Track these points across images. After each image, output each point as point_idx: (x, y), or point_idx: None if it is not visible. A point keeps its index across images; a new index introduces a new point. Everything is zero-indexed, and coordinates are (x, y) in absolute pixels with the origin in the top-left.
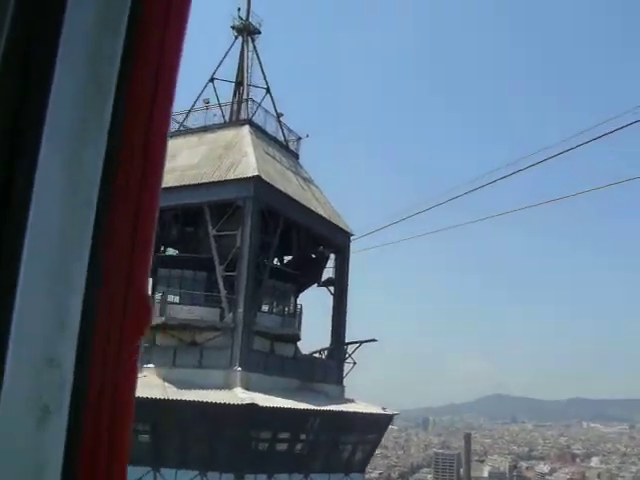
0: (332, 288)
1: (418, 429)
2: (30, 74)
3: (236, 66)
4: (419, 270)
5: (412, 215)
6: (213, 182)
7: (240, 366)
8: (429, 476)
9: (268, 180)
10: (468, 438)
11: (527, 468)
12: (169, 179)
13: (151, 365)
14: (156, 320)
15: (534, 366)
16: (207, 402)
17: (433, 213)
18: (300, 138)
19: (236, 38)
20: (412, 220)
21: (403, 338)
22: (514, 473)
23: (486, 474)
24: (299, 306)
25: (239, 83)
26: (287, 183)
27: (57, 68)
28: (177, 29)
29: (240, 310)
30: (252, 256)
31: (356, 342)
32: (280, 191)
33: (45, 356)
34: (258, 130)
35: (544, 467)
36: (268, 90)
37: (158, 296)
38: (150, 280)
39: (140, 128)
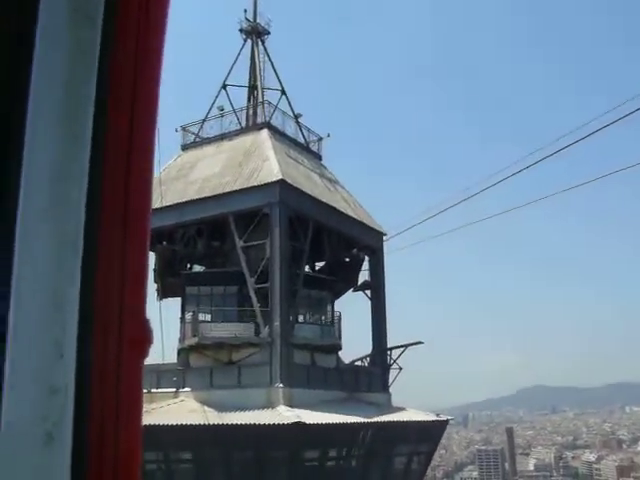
0: (368, 292)
1: (458, 427)
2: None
3: (248, 70)
4: (451, 266)
5: (448, 208)
6: (236, 191)
7: (281, 382)
8: (474, 473)
9: (293, 184)
10: (510, 432)
11: (573, 458)
12: (189, 192)
13: (187, 389)
14: (189, 341)
15: (571, 354)
16: (250, 424)
17: (463, 207)
18: (321, 138)
19: (245, 41)
20: (443, 215)
21: (437, 336)
22: (560, 464)
23: (532, 467)
24: (337, 314)
25: (253, 87)
26: (313, 185)
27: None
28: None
29: (276, 323)
30: (284, 265)
31: (401, 346)
32: (307, 194)
33: (45, 384)
34: (277, 133)
35: (590, 455)
36: (283, 91)
37: (188, 316)
38: (179, 300)
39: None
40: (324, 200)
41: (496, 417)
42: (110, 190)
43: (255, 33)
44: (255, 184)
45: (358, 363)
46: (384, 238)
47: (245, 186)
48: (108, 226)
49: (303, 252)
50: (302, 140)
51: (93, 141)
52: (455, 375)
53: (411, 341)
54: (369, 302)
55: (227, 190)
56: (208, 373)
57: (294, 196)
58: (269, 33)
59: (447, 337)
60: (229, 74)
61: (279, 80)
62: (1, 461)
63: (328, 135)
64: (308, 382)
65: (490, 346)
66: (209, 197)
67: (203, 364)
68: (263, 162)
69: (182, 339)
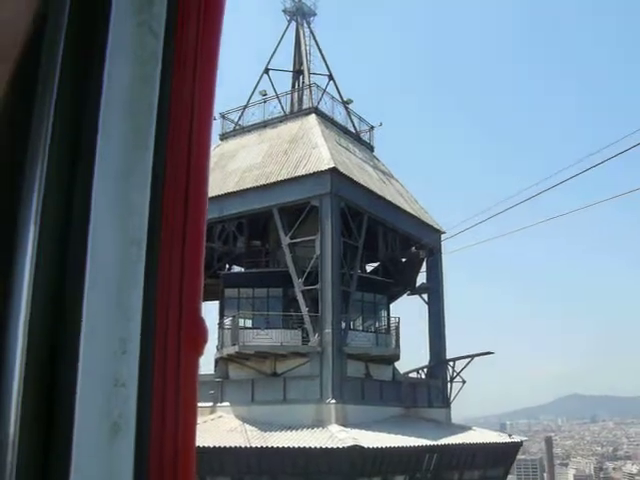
0: (425, 296)
1: None
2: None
3: (292, 54)
4: (495, 267)
5: (513, 206)
6: (281, 181)
7: (333, 397)
8: None
9: (346, 173)
10: (549, 441)
11: (614, 469)
12: (228, 183)
13: (226, 403)
14: (228, 350)
15: (612, 362)
16: (299, 448)
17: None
18: (373, 127)
19: (289, 22)
20: (509, 211)
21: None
22: (601, 475)
23: (571, 478)
24: (395, 319)
25: (297, 72)
26: (367, 177)
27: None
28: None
29: (327, 330)
30: (336, 264)
31: (466, 357)
32: (360, 185)
33: (111, 378)
34: (326, 119)
35: (632, 467)
36: (331, 77)
37: (228, 322)
38: (217, 304)
39: (182, 155)
40: (379, 193)
41: (534, 426)
42: (171, 194)
43: (300, 14)
44: (303, 173)
45: (413, 375)
46: (442, 237)
47: (291, 176)
48: (169, 228)
49: (357, 250)
50: (352, 129)
51: (155, 147)
52: (492, 383)
53: (477, 352)
54: (425, 307)
55: (271, 181)
56: (249, 386)
57: (347, 187)
58: (315, 14)
59: (487, 343)
60: (272, 57)
61: (326, 64)
62: (77, 449)
63: (380, 124)
64: (363, 397)
65: (528, 353)
66: (251, 189)
67: (244, 376)
68: (312, 149)
69: (220, 347)
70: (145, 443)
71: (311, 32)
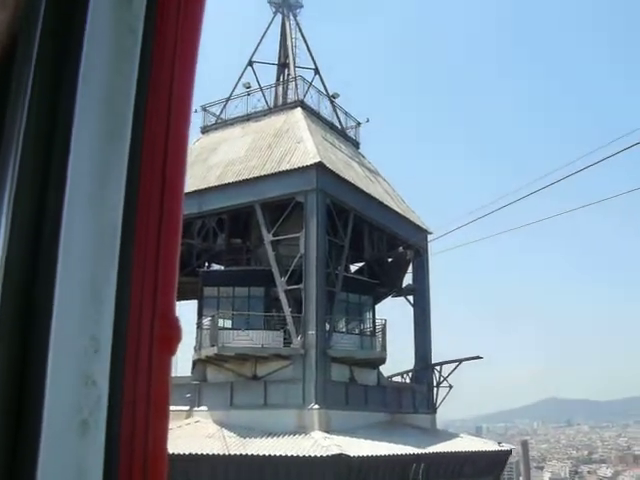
0: (410, 297)
1: None
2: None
3: (277, 47)
4: (467, 270)
5: (503, 207)
6: (264, 176)
7: (317, 403)
8: None
9: (332, 168)
10: (525, 445)
11: (589, 472)
12: (209, 177)
13: (203, 407)
14: (206, 351)
15: (588, 367)
16: (281, 456)
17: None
18: (359, 123)
19: (275, 14)
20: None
21: (450, 343)
22: (576, 478)
23: None
24: (381, 321)
25: (283, 65)
26: (353, 174)
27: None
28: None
29: (311, 332)
30: (321, 263)
31: (453, 361)
32: (347, 181)
33: (82, 375)
34: (312, 114)
35: (607, 470)
36: (317, 71)
37: (206, 322)
38: (195, 303)
39: (159, 157)
40: (366, 190)
41: (510, 429)
42: (147, 190)
43: (286, 5)
44: (287, 168)
45: (397, 379)
46: (427, 238)
47: (275, 170)
48: (144, 224)
49: (342, 249)
50: (338, 124)
51: (132, 143)
52: (469, 386)
53: (463, 356)
54: (410, 309)
55: (254, 175)
56: (228, 389)
57: (333, 183)
58: (302, 6)
59: (462, 345)
60: (256, 50)
61: (312, 58)
62: (45, 446)
63: (367, 120)
64: (347, 402)
65: (507, 357)
66: (232, 183)
67: (222, 379)
68: (297, 144)
69: (198, 348)
70: (115, 442)
71: (297, 24)
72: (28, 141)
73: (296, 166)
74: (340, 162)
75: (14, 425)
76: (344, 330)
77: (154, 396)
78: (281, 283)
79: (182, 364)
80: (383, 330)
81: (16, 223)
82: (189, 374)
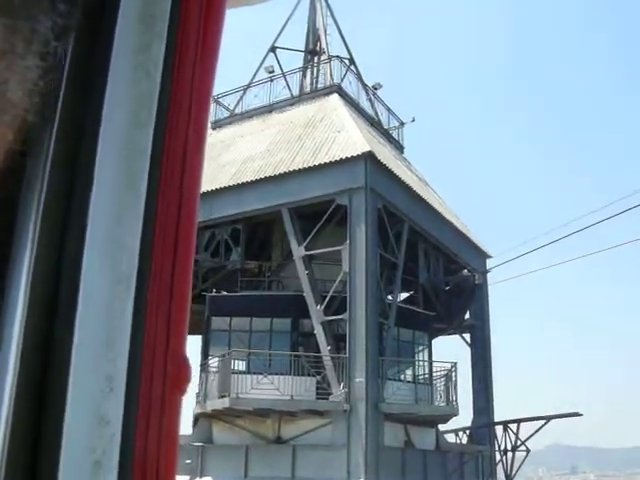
0: (467, 335)
1: None
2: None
3: (304, 32)
4: None
5: (571, 234)
6: (294, 172)
7: (367, 477)
8: None
9: (385, 162)
10: None
11: None
12: (221, 177)
13: (208, 478)
14: (214, 403)
15: (596, 413)
16: None
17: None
18: (403, 124)
19: None
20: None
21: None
22: None
23: None
24: (450, 366)
25: (310, 52)
26: (405, 176)
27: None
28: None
29: (359, 379)
30: (372, 286)
31: (537, 418)
32: (402, 182)
33: (97, 415)
34: (351, 104)
35: None
36: (352, 60)
37: (214, 363)
38: (200, 338)
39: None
40: (422, 195)
41: (516, 476)
42: (161, 236)
43: None
44: (326, 161)
45: (449, 437)
46: (487, 263)
47: (309, 164)
48: (158, 266)
49: (396, 268)
50: (381, 120)
51: (148, 191)
52: None
53: (556, 412)
54: (466, 349)
55: (280, 171)
56: (242, 455)
57: (385, 182)
58: None
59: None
60: (280, 34)
61: (346, 46)
62: None
63: (413, 119)
64: (403, 474)
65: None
66: (251, 183)
67: (235, 440)
68: (336, 133)
69: (202, 399)
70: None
71: (329, 7)
72: (51, 188)
73: (337, 158)
74: (391, 160)
75: (31, 466)
76: (397, 377)
77: (165, 437)
78: (317, 312)
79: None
80: (452, 377)
81: (38, 268)
82: (189, 433)
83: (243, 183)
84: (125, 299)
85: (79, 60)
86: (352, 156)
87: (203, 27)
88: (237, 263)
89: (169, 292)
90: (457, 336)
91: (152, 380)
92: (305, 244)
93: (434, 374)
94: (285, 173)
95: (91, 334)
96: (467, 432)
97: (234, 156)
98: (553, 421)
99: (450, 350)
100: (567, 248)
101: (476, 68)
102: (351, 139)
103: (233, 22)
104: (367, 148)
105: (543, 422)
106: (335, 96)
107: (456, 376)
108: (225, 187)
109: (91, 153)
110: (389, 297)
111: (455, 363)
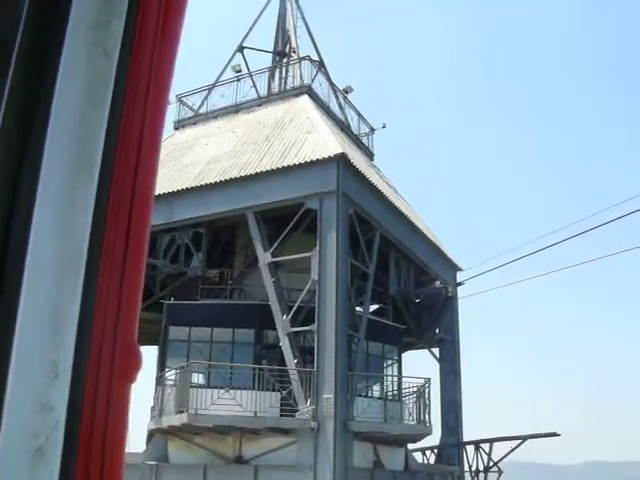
0: (436, 350)
1: None
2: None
3: (272, 34)
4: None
5: (548, 247)
6: (261, 174)
7: None
8: None
9: (358, 166)
10: None
11: None
12: (184, 178)
13: None
14: (169, 420)
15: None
16: None
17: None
18: (373, 130)
19: None
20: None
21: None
22: None
23: None
24: (424, 381)
25: (279, 53)
26: (378, 183)
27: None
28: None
29: (327, 395)
30: (342, 295)
31: (508, 438)
32: (375, 188)
33: (40, 401)
34: (321, 107)
35: None
36: (322, 63)
37: (171, 375)
38: (156, 349)
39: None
40: (395, 203)
41: None
42: (114, 215)
43: None
44: (295, 162)
45: (417, 456)
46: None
47: (277, 166)
48: (109, 250)
49: (366, 278)
50: (351, 125)
51: (102, 170)
52: None
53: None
54: (434, 363)
55: (246, 173)
56: (200, 475)
57: (357, 186)
58: None
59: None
60: (248, 34)
61: (316, 48)
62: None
63: (383, 126)
64: None
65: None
66: (215, 184)
67: (192, 459)
68: (306, 134)
69: (158, 414)
70: (71, 470)
71: (299, 8)
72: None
73: (308, 159)
74: (362, 165)
75: None
76: (366, 394)
77: (112, 424)
78: (283, 323)
79: (132, 436)
80: (420, 393)
81: None
82: (141, 450)
83: (207, 184)
84: (74, 283)
85: (33, 32)
86: (323, 157)
87: (164, 7)
88: (198, 270)
89: (120, 277)
90: (423, 351)
91: (99, 367)
92: (272, 250)
93: (404, 390)
94: (252, 175)
95: (36, 318)
96: (435, 451)
97: (198, 157)
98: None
99: (416, 365)
100: (533, 266)
101: (448, 72)
102: (322, 141)
103: (198, 11)
104: (340, 150)
105: (518, 442)
106: (305, 97)
107: (429, 392)
108: (187, 188)
109: (42, 130)
110: (358, 308)
111: (429, 379)
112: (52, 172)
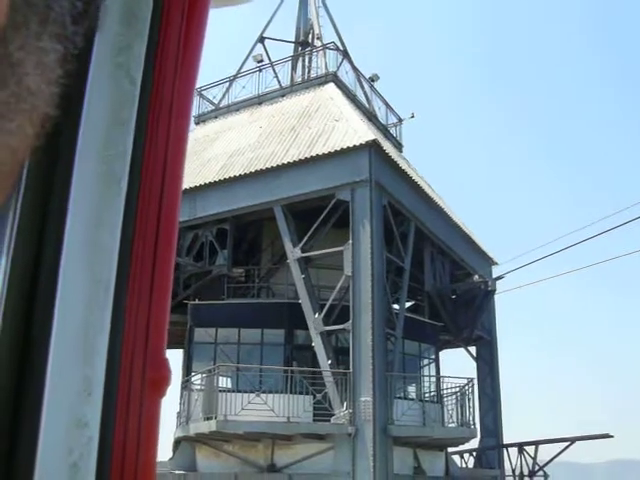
0: (472, 349)
1: None
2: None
3: (293, 24)
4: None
5: (567, 247)
6: (288, 165)
7: None
8: None
9: (391, 154)
10: None
11: None
12: (207, 173)
13: None
14: (197, 427)
15: (572, 426)
16: None
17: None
18: (401, 120)
19: None
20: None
21: None
22: None
23: None
24: (467, 381)
25: (301, 43)
26: (411, 173)
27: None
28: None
29: (365, 398)
30: (378, 292)
31: (556, 440)
32: (408, 177)
33: (74, 417)
34: (347, 96)
35: None
36: (346, 53)
37: (197, 380)
38: (181, 352)
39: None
40: (430, 194)
41: None
42: (141, 236)
43: None
44: (324, 152)
45: (456, 459)
46: (493, 270)
47: (305, 156)
48: (137, 268)
49: (402, 273)
50: (378, 115)
51: (128, 192)
52: None
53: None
54: (472, 363)
55: (272, 165)
56: None
57: (390, 176)
58: None
59: None
60: (269, 23)
61: (340, 38)
62: None
63: (412, 116)
64: None
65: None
66: (240, 177)
67: (221, 468)
68: (334, 122)
69: (185, 421)
70: None
71: None
72: (28, 190)
73: (337, 148)
74: (394, 154)
75: (5, 469)
76: (405, 395)
77: (144, 439)
78: (315, 322)
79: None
80: (462, 394)
81: (15, 271)
82: (167, 459)
83: (230, 178)
84: (103, 301)
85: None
86: (354, 145)
87: (185, 27)
88: (223, 268)
89: (149, 294)
90: (457, 349)
91: (131, 382)
92: (301, 245)
93: (444, 391)
94: (278, 166)
95: (68, 336)
96: (473, 454)
97: (220, 150)
98: (518, 431)
99: (450, 364)
100: (567, 261)
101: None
102: (352, 128)
103: (217, 19)
104: (371, 136)
105: (566, 444)
106: (331, 85)
107: (473, 393)
108: (210, 183)
109: (70, 153)
110: (395, 305)
111: (472, 379)
112: (80, 193)
